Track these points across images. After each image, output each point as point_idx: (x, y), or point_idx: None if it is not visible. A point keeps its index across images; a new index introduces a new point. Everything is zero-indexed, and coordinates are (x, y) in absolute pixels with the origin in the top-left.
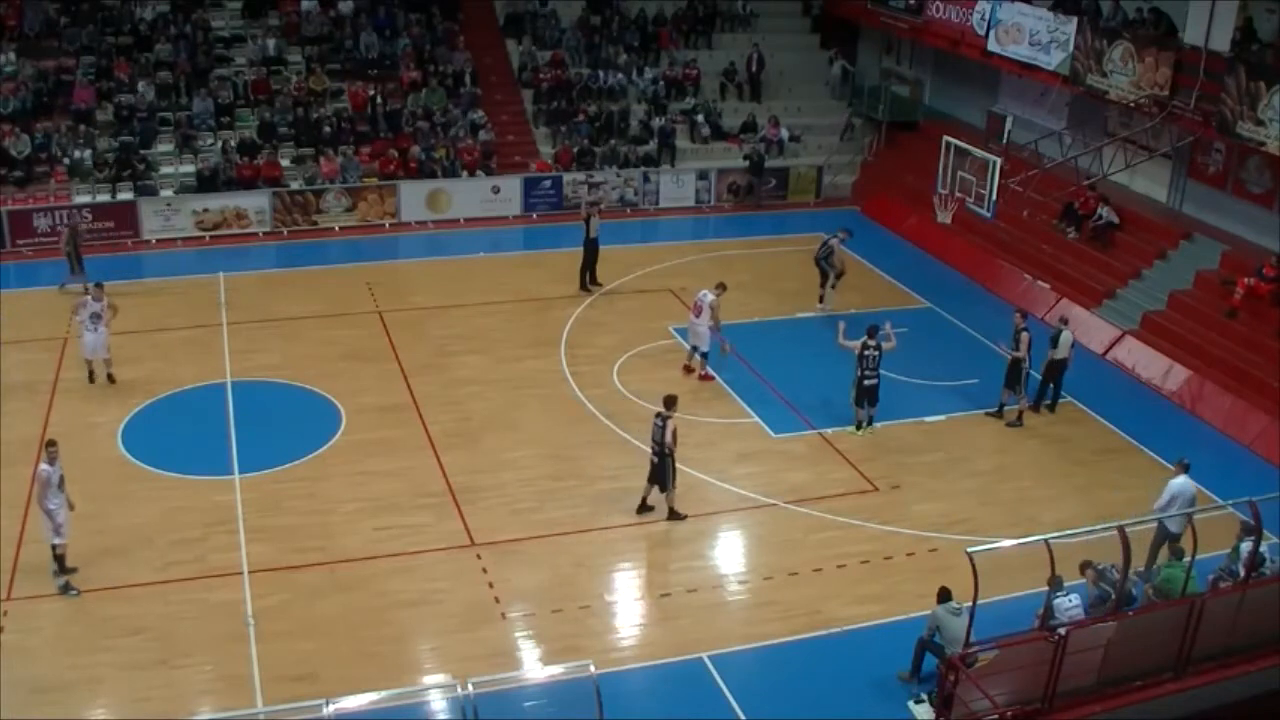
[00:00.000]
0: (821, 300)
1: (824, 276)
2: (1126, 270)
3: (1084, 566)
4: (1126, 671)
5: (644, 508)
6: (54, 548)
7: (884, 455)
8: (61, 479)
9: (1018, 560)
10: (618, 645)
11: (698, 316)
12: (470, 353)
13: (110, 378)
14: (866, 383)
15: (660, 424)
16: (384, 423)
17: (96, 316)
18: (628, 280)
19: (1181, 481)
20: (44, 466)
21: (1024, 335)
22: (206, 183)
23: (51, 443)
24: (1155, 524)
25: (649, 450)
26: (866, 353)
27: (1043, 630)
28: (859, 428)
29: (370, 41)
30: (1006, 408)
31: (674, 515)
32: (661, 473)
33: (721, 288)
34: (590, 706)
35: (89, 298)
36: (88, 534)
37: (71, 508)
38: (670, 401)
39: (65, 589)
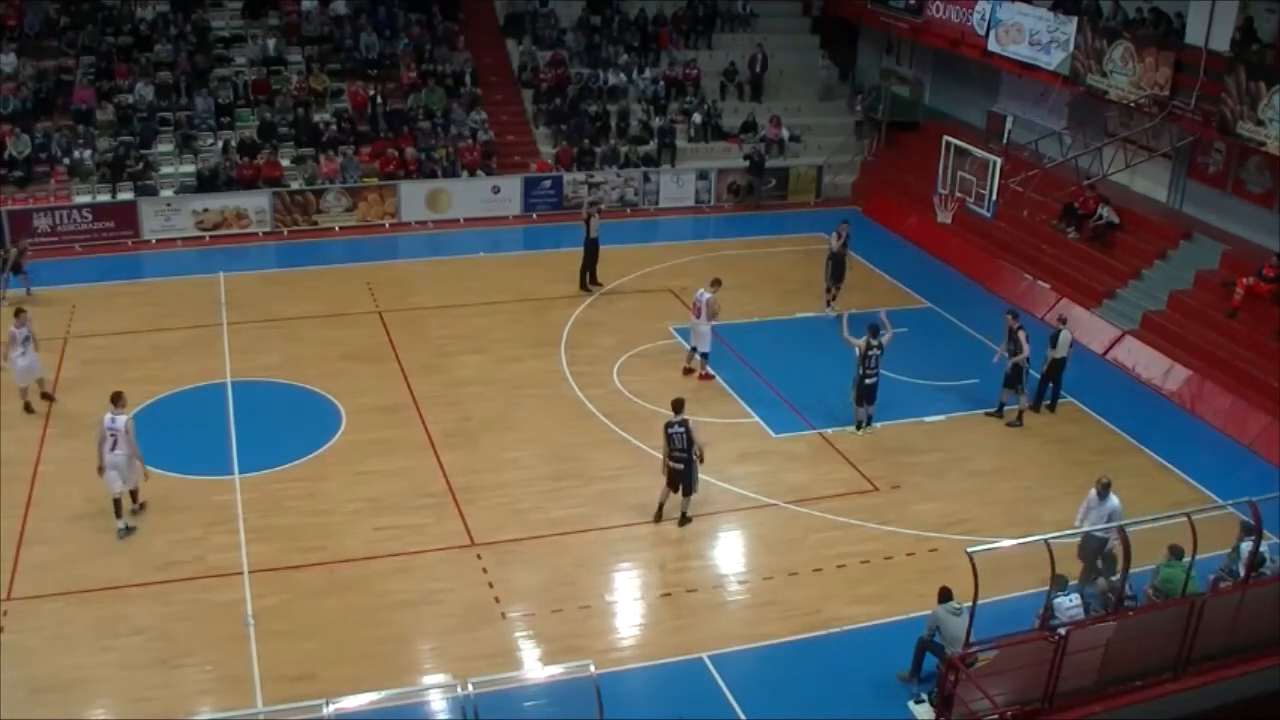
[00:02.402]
0: (835, 299)
1: (838, 274)
2: (1126, 270)
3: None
4: (1126, 671)
5: (661, 517)
6: (132, 494)
7: (884, 455)
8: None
9: (1018, 560)
10: (618, 645)
11: (698, 317)
12: (470, 353)
13: (49, 396)
14: (868, 381)
15: (683, 429)
16: (384, 423)
17: (27, 340)
18: (628, 280)
19: (1115, 500)
20: (122, 416)
21: (1022, 334)
22: (206, 183)
23: (119, 394)
24: (1080, 536)
25: (666, 459)
26: (871, 352)
27: (1043, 630)
28: (859, 427)
29: (370, 41)
30: (1007, 408)
31: (687, 519)
32: (689, 476)
33: (716, 284)
34: (590, 706)
35: (14, 323)
36: (88, 533)
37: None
38: (680, 405)
39: (128, 531)
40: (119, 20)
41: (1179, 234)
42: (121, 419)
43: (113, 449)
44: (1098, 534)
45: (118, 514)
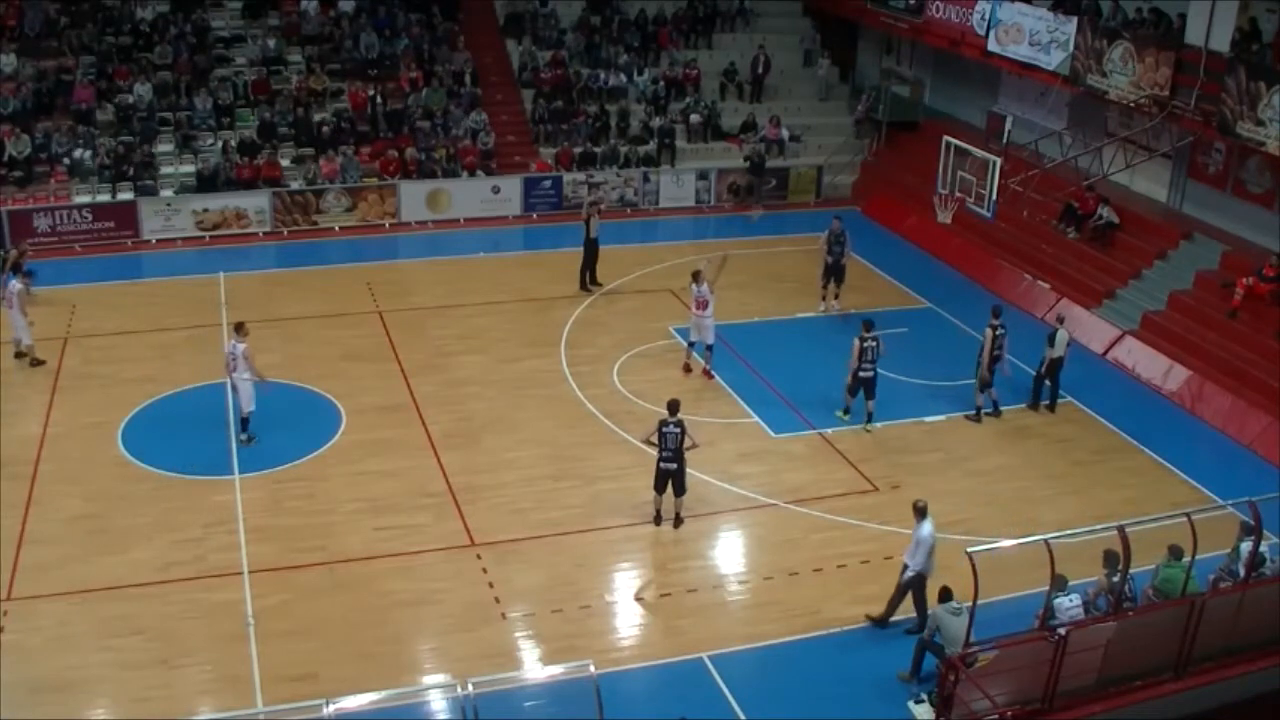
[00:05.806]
0: (836, 298)
1: (838, 275)
2: (1126, 270)
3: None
4: (1126, 671)
5: (661, 519)
6: (243, 421)
7: (884, 455)
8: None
9: (1018, 560)
10: (618, 645)
11: (702, 310)
12: (470, 353)
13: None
14: (862, 374)
15: (678, 430)
16: (384, 423)
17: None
18: (628, 280)
19: (930, 527)
20: (242, 344)
21: (995, 335)
22: (206, 183)
23: (241, 323)
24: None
25: (659, 459)
26: (865, 345)
27: (1043, 630)
28: (846, 412)
29: (370, 41)
30: (1002, 407)
31: (680, 520)
32: (681, 477)
33: (697, 275)
34: (590, 706)
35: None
36: (88, 534)
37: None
38: (676, 406)
39: (251, 440)
40: (119, 20)
41: (1179, 234)
42: (241, 345)
43: (234, 370)
44: (908, 566)
45: (243, 428)
